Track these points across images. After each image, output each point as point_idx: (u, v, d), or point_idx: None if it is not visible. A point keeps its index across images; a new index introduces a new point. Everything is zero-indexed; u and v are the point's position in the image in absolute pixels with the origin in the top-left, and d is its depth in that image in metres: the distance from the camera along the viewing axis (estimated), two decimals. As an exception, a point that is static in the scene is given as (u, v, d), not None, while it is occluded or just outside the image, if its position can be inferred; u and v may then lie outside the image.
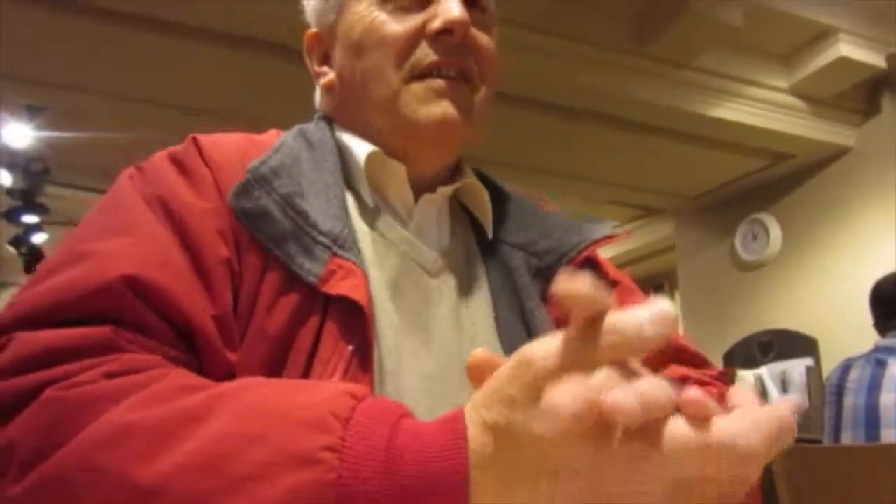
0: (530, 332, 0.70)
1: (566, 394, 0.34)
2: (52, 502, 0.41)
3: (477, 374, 0.42)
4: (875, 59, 3.16)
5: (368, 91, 0.69)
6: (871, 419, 2.04)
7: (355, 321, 0.58)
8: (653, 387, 0.35)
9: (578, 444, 0.35)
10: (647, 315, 0.36)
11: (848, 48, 3.08)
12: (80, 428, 0.42)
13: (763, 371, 3.95)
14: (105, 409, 0.42)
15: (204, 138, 0.65)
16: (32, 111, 3.41)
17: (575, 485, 0.36)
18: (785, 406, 0.37)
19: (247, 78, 2.80)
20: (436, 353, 0.66)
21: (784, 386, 3.95)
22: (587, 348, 0.36)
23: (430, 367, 0.65)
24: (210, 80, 2.89)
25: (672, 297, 5.81)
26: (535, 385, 0.37)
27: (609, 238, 0.77)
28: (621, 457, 0.35)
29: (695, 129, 3.35)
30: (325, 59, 0.75)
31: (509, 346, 0.69)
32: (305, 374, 0.57)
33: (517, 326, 0.70)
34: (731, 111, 3.25)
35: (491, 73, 0.71)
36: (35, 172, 3.93)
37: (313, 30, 0.76)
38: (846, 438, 2.09)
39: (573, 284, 0.36)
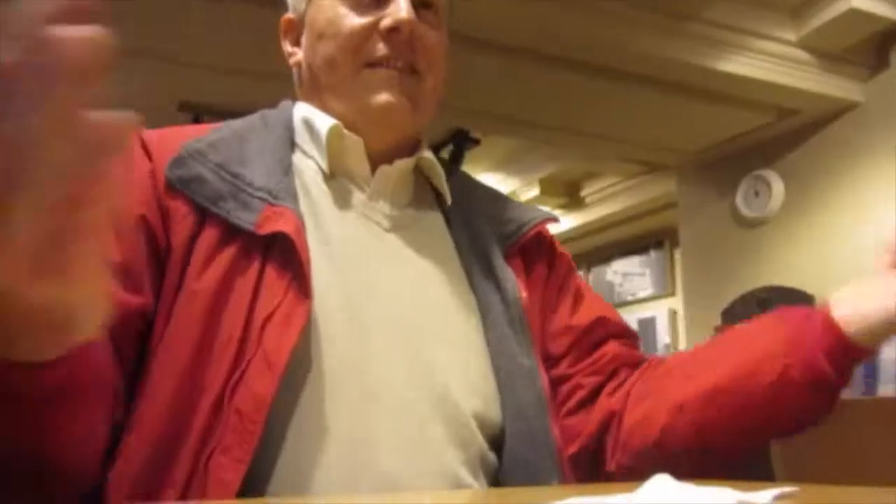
0: (498, 283, 0.79)
1: None
2: None
3: None
4: (887, 10, 3.09)
5: (326, 75, 0.79)
6: (870, 374, 2.04)
7: (291, 253, 0.67)
8: None
9: None
10: None
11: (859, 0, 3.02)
12: None
13: (761, 327, 3.97)
14: None
15: (149, 132, 0.74)
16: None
17: None
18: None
19: (242, 30, 2.74)
20: (393, 284, 0.75)
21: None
22: None
23: (392, 297, 0.74)
24: (199, 31, 2.83)
25: (672, 253, 5.82)
26: None
27: (554, 219, 0.89)
28: None
29: (700, 83, 3.30)
30: (296, 42, 0.85)
31: (480, 291, 0.79)
32: (251, 309, 0.65)
33: (487, 277, 0.80)
34: (738, 64, 3.20)
35: (436, 66, 0.80)
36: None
37: (289, 15, 0.85)
38: (843, 393, 2.10)
39: None
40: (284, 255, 0.67)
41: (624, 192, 5.33)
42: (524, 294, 0.80)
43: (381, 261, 0.76)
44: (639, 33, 2.99)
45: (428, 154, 0.84)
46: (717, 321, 4.01)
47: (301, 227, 0.69)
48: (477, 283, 0.80)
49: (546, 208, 4.70)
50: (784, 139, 3.84)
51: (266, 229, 0.67)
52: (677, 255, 5.18)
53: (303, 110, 0.83)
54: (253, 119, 0.81)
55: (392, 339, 0.71)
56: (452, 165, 0.91)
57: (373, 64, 0.77)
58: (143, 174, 0.70)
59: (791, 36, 3.27)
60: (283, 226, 0.67)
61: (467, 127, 3.94)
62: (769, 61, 3.25)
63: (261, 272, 0.67)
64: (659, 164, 4.65)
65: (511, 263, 0.82)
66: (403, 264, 0.77)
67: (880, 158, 3.44)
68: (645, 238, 6.01)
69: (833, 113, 3.61)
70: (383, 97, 0.76)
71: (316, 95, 0.82)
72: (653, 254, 6.08)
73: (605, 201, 5.46)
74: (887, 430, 1.38)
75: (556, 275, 0.88)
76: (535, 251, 0.87)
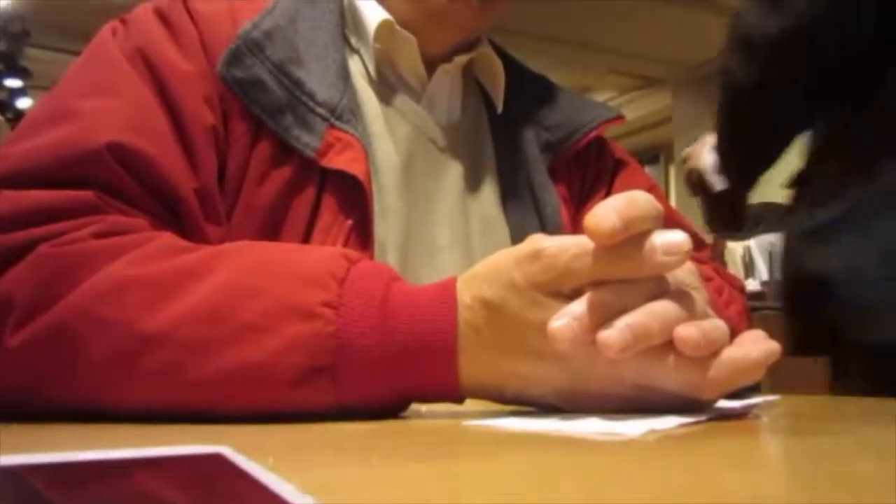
0: (538, 207, 0.70)
1: (565, 325, 0.36)
2: (54, 352, 0.42)
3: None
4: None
5: None
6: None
7: (354, 195, 0.58)
8: (642, 320, 0.36)
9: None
10: (664, 245, 0.37)
11: None
12: (79, 282, 0.43)
13: (752, 243, 4.00)
14: (101, 266, 0.43)
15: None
16: (6, -33, 3.24)
17: (556, 367, 0.39)
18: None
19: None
20: (442, 226, 0.67)
21: (771, 258, 4.01)
22: (598, 262, 0.38)
23: (436, 240, 0.66)
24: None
25: (668, 169, 5.80)
26: (539, 279, 0.39)
27: (618, 119, 0.77)
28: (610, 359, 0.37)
29: (700, -6, 3.22)
30: None
31: (515, 221, 0.70)
32: (305, 242, 0.58)
33: (525, 200, 0.71)
34: (739, -25, 3.12)
35: None
36: (14, 34, 3.80)
37: None
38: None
39: (600, 220, 0.36)
40: (346, 194, 0.59)
41: (618, 107, 5.27)
42: (565, 218, 0.71)
43: (432, 189, 0.67)
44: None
45: (488, 50, 0.72)
46: (708, 237, 4.05)
47: (369, 168, 0.60)
48: (512, 210, 0.71)
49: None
50: (783, 53, 3.78)
51: (330, 163, 0.58)
52: (672, 170, 5.18)
53: None
54: None
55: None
56: (506, 59, 0.77)
57: None
58: (201, 68, 0.58)
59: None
60: (351, 165, 0.58)
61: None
62: (772, -29, 3.17)
63: (316, 202, 0.59)
64: (654, 77, 4.59)
65: (558, 177, 0.72)
66: (453, 193, 0.69)
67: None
68: (640, 153, 5.98)
69: (834, 25, 3.55)
70: None
71: None
72: (648, 169, 6.07)
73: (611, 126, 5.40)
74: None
75: (612, 189, 0.77)
76: (591, 160, 0.77)
